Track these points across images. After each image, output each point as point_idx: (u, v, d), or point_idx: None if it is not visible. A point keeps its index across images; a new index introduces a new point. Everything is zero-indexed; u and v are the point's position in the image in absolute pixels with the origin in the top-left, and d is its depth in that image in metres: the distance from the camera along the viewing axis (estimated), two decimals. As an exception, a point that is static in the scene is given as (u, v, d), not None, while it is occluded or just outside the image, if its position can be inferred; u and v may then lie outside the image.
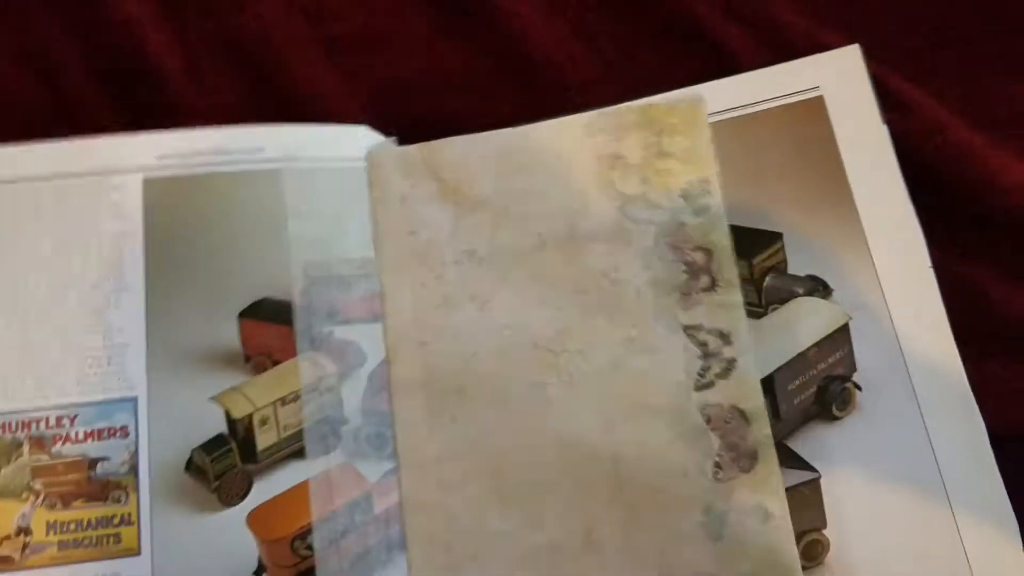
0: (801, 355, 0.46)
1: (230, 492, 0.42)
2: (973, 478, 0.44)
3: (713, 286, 0.45)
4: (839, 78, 0.50)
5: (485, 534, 0.43)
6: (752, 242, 0.48)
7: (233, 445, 0.43)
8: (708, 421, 0.43)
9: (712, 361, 0.44)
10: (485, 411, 0.44)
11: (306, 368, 0.44)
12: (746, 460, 0.43)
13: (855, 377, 0.46)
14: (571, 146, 0.47)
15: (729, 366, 0.44)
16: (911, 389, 0.45)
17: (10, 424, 0.42)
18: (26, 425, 0.42)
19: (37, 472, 0.41)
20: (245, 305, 0.45)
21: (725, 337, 0.45)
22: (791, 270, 0.48)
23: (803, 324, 0.47)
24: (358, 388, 0.45)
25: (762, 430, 0.43)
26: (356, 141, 0.48)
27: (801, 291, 0.47)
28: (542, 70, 0.53)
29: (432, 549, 0.42)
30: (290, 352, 0.44)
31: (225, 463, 0.43)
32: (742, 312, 0.45)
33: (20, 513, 0.41)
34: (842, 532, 0.43)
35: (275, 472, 0.43)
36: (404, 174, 0.47)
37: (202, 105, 0.51)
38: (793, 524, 0.43)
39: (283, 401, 0.44)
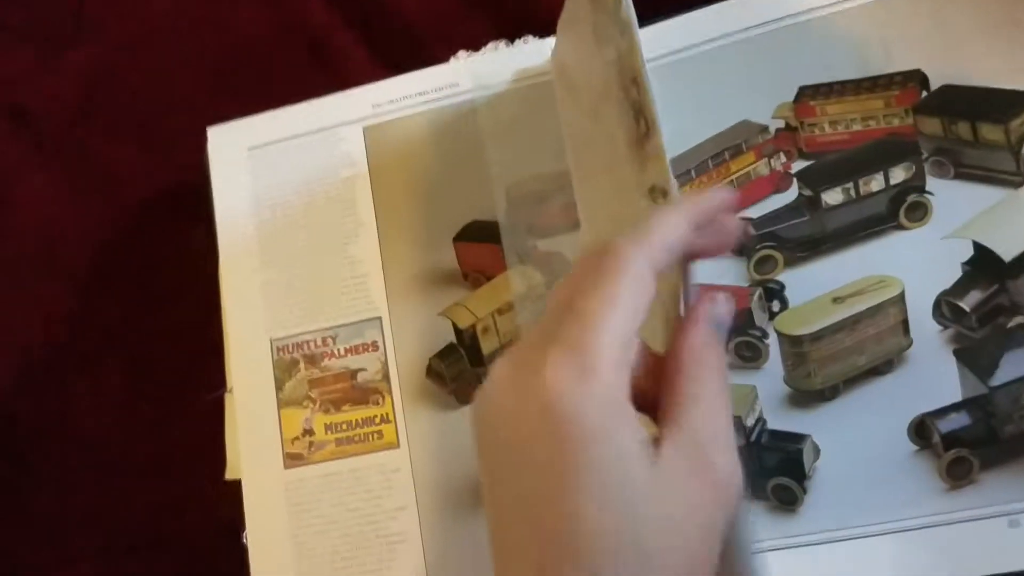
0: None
1: (465, 393, 0.49)
2: None
3: (648, 131, 0.36)
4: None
5: None
6: (1005, 104, 0.44)
7: (462, 352, 0.49)
8: None
9: None
10: None
11: (516, 280, 0.50)
12: None
13: None
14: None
15: None
16: None
17: (287, 347, 0.51)
18: (299, 347, 0.51)
19: (312, 384, 0.50)
20: (458, 229, 0.50)
21: (664, 196, 0.36)
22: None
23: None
24: (564, 294, 0.49)
25: None
26: (545, 53, 0.50)
27: None
28: None
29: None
30: (500, 267, 0.50)
31: (458, 368, 0.49)
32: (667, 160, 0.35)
33: (304, 417, 0.50)
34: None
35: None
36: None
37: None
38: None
39: (500, 311, 0.49)
